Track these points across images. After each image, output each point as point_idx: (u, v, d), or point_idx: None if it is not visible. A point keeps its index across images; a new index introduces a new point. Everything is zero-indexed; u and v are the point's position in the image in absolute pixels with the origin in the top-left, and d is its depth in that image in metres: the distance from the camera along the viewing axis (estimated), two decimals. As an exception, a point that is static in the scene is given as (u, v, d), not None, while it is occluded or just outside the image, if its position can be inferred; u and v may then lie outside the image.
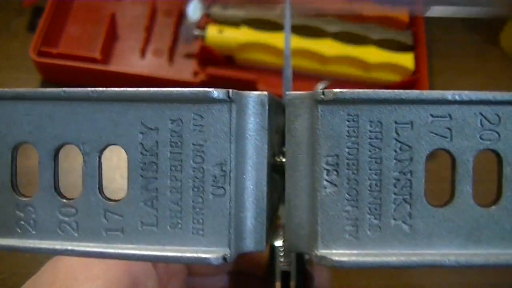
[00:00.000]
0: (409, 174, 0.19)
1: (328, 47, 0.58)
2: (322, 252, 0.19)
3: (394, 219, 0.19)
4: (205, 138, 0.19)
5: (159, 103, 0.19)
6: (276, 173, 0.23)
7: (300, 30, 0.58)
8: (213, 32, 0.59)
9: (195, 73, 0.58)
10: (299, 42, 0.58)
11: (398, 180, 0.19)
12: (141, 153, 0.19)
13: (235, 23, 0.60)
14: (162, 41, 0.61)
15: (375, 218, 0.19)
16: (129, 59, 0.60)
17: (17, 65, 0.60)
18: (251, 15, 0.60)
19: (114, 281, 0.25)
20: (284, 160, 0.22)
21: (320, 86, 0.57)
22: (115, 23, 0.61)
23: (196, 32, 0.59)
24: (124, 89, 0.19)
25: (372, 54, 0.57)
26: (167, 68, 0.60)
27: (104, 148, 0.20)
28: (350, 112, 0.18)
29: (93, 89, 0.19)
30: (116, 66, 0.59)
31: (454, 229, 0.19)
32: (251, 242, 0.20)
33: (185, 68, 0.59)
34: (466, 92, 0.18)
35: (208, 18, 0.60)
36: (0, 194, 0.20)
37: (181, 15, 0.62)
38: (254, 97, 0.19)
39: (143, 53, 0.60)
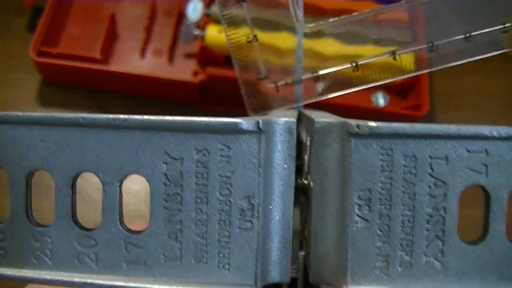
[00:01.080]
0: (442, 211, 0.18)
1: (328, 46, 0.57)
2: (351, 287, 0.18)
3: (426, 255, 0.18)
4: (232, 170, 0.18)
5: (184, 132, 0.18)
6: (298, 194, 0.22)
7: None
8: (213, 32, 0.58)
9: (195, 73, 0.56)
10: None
11: (431, 216, 0.18)
12: (165, 184, 0.18)
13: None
14: (162, 41, 0.59)
15: (407, 255, 0.18)
16: (129, 59, 0.58)
17: (17, 65, 0.58)
18: (251, 15, 0.58)
19: None
20: (305, 182, 0.21)
21: (320, 87, 0.56)
22: (115, 23, 0.59)
23: (196, 32, 0.58)
24: (148, 117, 0.18)
25: (372, 53, 0.56)
26: (167, 68, 0.58)
27: (125, 177, 0.18)
28: (384, 146, 0.17)
29: (114, 116, 0.18)
30: (116, 66, 0.57)
31: (487, 266, 0.18)
32: (276, 273, 0.19)
33: (185, 68, 0.58)
34: (505, 128, 0.17)
35: (208, 18, 0.59)
36: (15, 223, 0.19)
37: (181, 15, 0.60)
38: (282, 125, 0.18)
39: (143, 53, 0.59)
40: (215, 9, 0.59)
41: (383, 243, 0.18)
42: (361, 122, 0.17)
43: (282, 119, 0.18)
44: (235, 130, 0.17)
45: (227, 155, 0.18)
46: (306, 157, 0.21)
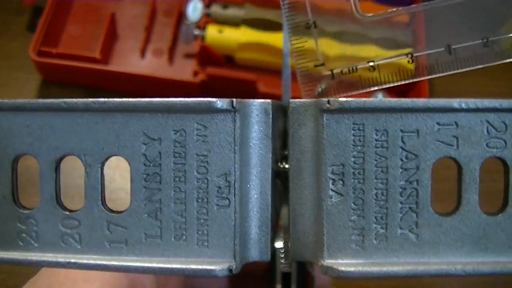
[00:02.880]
0: (415, 183, 0.18)
1: (328, 46, 0.57)
2: (328, 262, 0.18)
3: (401, 228, 0.18)
4: (208, 149, 0.18)
5: (162, 113, 0.18)
6: (278, 178, 0.22)
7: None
8: (213, 32, 0.58)
9: (195, 73, 0.57)
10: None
11: (404, 189, 0.18)
12: (144, 164, 0.19)
13: (235, 23, 0.59)
14: (162, 41, 0.60)
15: (382, 228, 0.18)
16: (129, 59, 0.59)
17: (17, 65, 0.59)
18: (251, 15, 0.59)
19: (112, 282, 0.25)
20: (286, 166, 0.21)
21: (319, 87, 0.56)
22: (115, 23, 0.60)
23: (196, 32, 0.59)
24: (126, 99, 0.18)
25: (372, 53, 0.57)
26: (167, 68, 0.59)
27: (106, 159, 0.19)
28: (355, 121, 0.18)
29: (94, 100, 0.19)
30: (116, 66, 0.58)
31: (461, 237, 0.18)
32: (256, 251, 0.19)
33: (185, 68, 0.58)
34: (473, 100, 0.18)
35: (208, 18, 0.59)
36: (2, 207, 0.20)
37: (181, 15, 0.61)
38: (257, 106, 0.19)
39: (143, 53, 0.60)
40: (215, 9, 0.60)
41: (358, 217, 0.18)
42: (331, 99, 0.18)
43: (258, 100, 0.19)
44: (210, 109, 0.18)
45: (204, 134, 0.18)
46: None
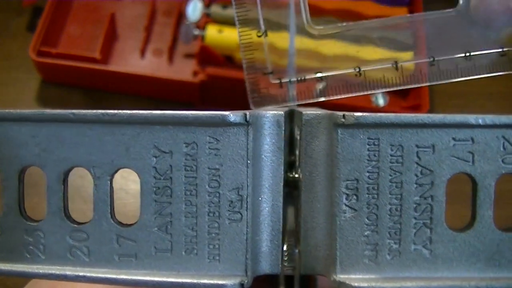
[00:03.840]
0: (430, 199, 0.18)
1: (328, 46, 0.57)
2: (341, 277, 0.18)
3: (414, 243, 0.18)
4: (221, 162, 0.18)
5: (173, 126, 0.18)
6: (288, 187, 0.22)
7: (299, 29, 0.57)
8: (212, 32, 0.58)
9: (195, 73, 0.56)
10: (298, 41, 0.56)
11: (419, 204, 0.18)
12: (155, 177, 0.18)
13: (235, 23, 0.58)
14: (162, 41, 0.59)
15: (395, 243, 0.18)
16: (129, 59, 0.59)
17: (17, 65, 0.58)
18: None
19: None
20: (296, 175, 0.21)
21: (319, 87, 0.56)
22: (115, 23, 0.60)
23: (196, 32, 0.58)
24: (137, 111, 0.18)
25: (372, 53, 0.56)
26: (167, 68, 0.58)
27: (116, 172, 0.19)
28: (370, 136, 0.18)
29: (104, 111, 0.18)
30: (116, 66, 0.57)
31: (475, 253, 0.18)
32: (266, 264, 0.19)
33: (185, 68, 0.58)
34: (490, 116, 0.17)
35: (207, 18, 0.59)
36: (8, 218, 0.19)
37: (181, 15, 0.60)
38: (270, 117, 0.18)
39: (142, 53, 0.59)
40: (215, 9, 0.59)
41: (372, 232, 0.18)
42: (347, 113, 0.17)
43: (270, 112, 0.19)
44: (223, 122, 0.18)
45: (216, 147, 0.18)
46: (297, 152, 0.21)
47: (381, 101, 0.52)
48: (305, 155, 0.19)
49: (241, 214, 0.18)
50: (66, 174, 0.19)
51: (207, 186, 0.18)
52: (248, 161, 0.18)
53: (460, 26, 0.29)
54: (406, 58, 0.51)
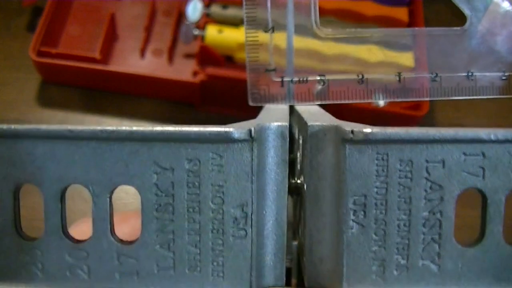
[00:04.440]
0: (438, 214, 0.17)
1: (328, 46, 0.56)
2: None
3: (422, 259, 0.17)
4: (224, 179, 0.17)
5: (175, 142, 0.17)
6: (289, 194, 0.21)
7: (299, 29, 0.56)
8: (212, 32, 0.57)
9: (195, 73, 0.55)
10: (298, 41, 0.55)
11: (428, 220, 0.17)
12: (156, 194, 0.17)
13: (235, 23, 0.57)
14: (161, 41, 0.58)
15: (403, 258, 0.17)
16: (129, 59, 0.58)
17: (17, 65, 0.57)
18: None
19: None
20: (298, 181, 0.20)
21: (317, 88, 0.55)
22: (115, 23, 0.59)
23: (196, 32, 0.57)
24: (136, 128, 0.17)
25: (372, 53, 0.55)
26: (167, 68, 0.58)
27: (115, 188, 0.18)
28: (379, 151, 0.17)
29: (101, 128, 0.17)
30: (115, 66, 0.56)
31: (484, 269, 0.17)
32: (270, 278, 0.18)
33: (185, 68, 0.57)
34: (501, 131, 0.16)
35: (207, 18, 0.58)
36: (4, 238, 0.18)
37: (181, 15, 0.59)
38: (274, 130, 0.18)
39: (142, 53, 0.58)
40: (215, 9, 0.59)
41: (379, 247, 0.17)
42: (355, 128, 0.16)
43: (275, 123, 0.18)
44: (227, 139, 0.17)
45: (219, 164, 0.17)
46: (298, 155, 0.20)
47: (381, 102, 0.51)
48: (310, 168, 0.18)
49: (245, 231, 0.17)
50: (63, 192, 0.18)
51: (210, 203, 0.17)
52: (253, 177, 0.17)
53: (465, 45, 0.28)
54: (408, 64, 0.50)
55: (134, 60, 0.58)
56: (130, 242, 0.18)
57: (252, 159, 0.17)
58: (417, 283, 0.17)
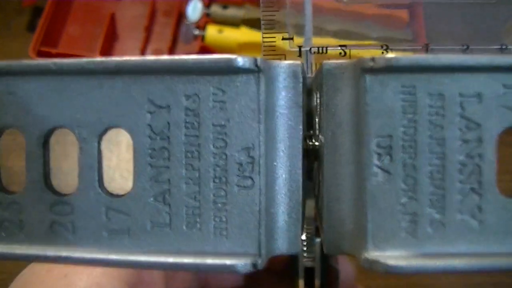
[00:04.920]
0: (477, 158, 0.14)
1: (328, 45, 0.54)
2: (373, 254, 0.14)
3: (460, 213, 0.14)
4: (227, 117, 0.14)
5: (170, 75, 0.14)
6: (305, 159, 0.18)
7: (299, 29, 0.54)
8: (212, 32, 0.55)
9: (195, 72, 0.53)
10: (298, 41, 0.53)
11: (465, 165, 0.14)
12: (150, 137, 0.14)
13: (235, 23, 0.55)
14: (162, 41, 0.56)
15: (437, 212, 0.14)
16: (129, 59, 0.55)
17: (17, 66, 0.55)
18: (251, 15, 0.55)
19: (115, 274, 0.21)
20: (316, 143, 0.17)
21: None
22: (115, 23, 0.57)
23: (196, 32, 0.55)
24: (127, 58, 0.14)
25: (372, 52, 0.53)
26: (167, 67, 0.55)
27: (104, 132, 0.15)
28: (405, 83, 0.14)
29: (88, 59, 0.14)
30: (116, 66, 0.54)
31: None
32: (283, 243, 0.15)
33: (185, 68, 0.54)
34: (550, 55, 0.13)
35: (207, 18, 0.56)
36: None
37: (181, 15, 0.57)
38: (285, 68, 0.15)
39: (142, 53, 0.56)
40: (215, 9, 0.57)
41: (409, 199, 0.14)
42: (376, 56, 0.14)
43: (285, 62, 0.15)
44: (229, 69, 0.14)
45: (221, 100, 0.14)
46: (316, 118, 0.18)
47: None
48: (326, 112, 0.15)
49: (252, 179, 0.14)
50: (47, 136, 0.15)
51: (211, 147, 0.14)
52: (260, 116, 0.14)
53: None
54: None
55: (134, 60, 0.55)
56: (121, 195, 0.15)
57: (258, 94, 0.14)
58: (454, 241, 0.14)
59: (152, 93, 0.14)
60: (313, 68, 0.29)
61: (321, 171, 0.16)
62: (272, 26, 0.28)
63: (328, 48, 0.29)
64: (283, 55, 0.28)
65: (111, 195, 0.15)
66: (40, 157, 0.15)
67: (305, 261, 0.25)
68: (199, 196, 0.14)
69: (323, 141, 0.15)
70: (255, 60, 0.14)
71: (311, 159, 0.17)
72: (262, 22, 0.27)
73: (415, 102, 0.14)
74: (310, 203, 0.20)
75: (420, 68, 0.14)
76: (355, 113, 0.14)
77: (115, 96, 0.14)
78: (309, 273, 0.25)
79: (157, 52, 0.56)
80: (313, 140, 0.17)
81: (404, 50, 0.31)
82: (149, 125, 0.14)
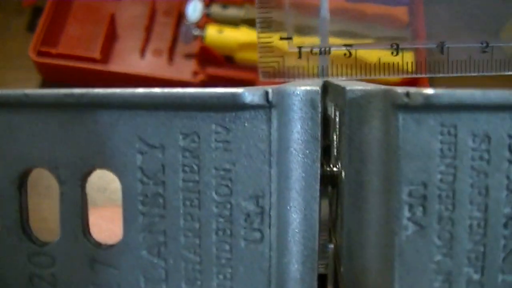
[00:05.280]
0: None
1: (332, 45, 0.51)
2: None
3: (503, 273, 0.11)
4: (233, 160, 0.11)
5: (165, 110, 0.11)
6: (324, 184, 0.15)
7: (300, 28, 0.51)
8: (212, 32, 0.52)
9: (195, 73, 0.51)
10: (298, 41, 0.51)
11: (511, 218, 0.11)
12: (141, 182, 0.12)
13: (235, 23, 0.53)
14: (161, 41, 0.54)
15: (476, 272, 0.11)
16: (129, 59, 0.53)
17: (17, 65, 0.53)
18: (251, 15, 0.53)
19: None
20: (334, 169, 0.14)
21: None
22: (115, 23, 0.54)
23: (196, 32, 0.52)
24: (112, 91, 0.11)
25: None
26: (167, 68, 0.53)
27: (89, 174, 0.12)
28: (444, 122, 0.11)
29: (68, 90, 0.11)
30: (115, 66, 0.52)
31: None
32: None
33: (185, 68, 0.52)
34: None
35: (207, 18, 0.53)
36: None
37: (181, 15, 0.54)
38: (301, 95, 0.12)
39: (142, 53, 0.53)
40: (215, 9, 0.54)
41: (444, 257, 0.11)
42: (412, 90, 0.11)
43: (301, 88, 0.12)
44: (235, 104, 0.11)
45: (225, 139, 0.11)
46: (335, 137, 0.15)
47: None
48: (349, 147, 0.12)
49: (261, 232, 0.12)
50: (23, 178, 0.12)
51: (214, 194, 0.12)
52: (271, 158, 0.11)
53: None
54: (406, 58, 0.44)
55: (134, 60, 0.53)
56: (109, 246, 0.12)
57: (270, 133, 0.11)
58: None
59: (143, 130, 0.11)
60: (330, 71, 0.26)
61: (341, 210, 0.13)
62: (268, 25, 0.26)
63: (331, 48, 0.26)
64: (281, 57, 0.26)
65: (98, 245, 0.12)
66: (16, 201, 0.12)
67: (318, 268, 0.22)
68: (199, 250, 0.12)
69: (343, 177, 0.13)
70: (266, 93, 0.11)
71: (325, 183, 0.14)
72: (257, 20, 0.25)
73: (456, 144, 0.11)
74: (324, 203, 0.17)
75: (464, 106, 0.11)
76: (385, 151, 0.12)
77: (99, 132, 0.12)
78: (321, 280, 0.22)
79: (157, 52, 0.53)
80: (331, 166, 0.14)
81: (416, 48, 0.28)
82: (140, 168, 0.12)
